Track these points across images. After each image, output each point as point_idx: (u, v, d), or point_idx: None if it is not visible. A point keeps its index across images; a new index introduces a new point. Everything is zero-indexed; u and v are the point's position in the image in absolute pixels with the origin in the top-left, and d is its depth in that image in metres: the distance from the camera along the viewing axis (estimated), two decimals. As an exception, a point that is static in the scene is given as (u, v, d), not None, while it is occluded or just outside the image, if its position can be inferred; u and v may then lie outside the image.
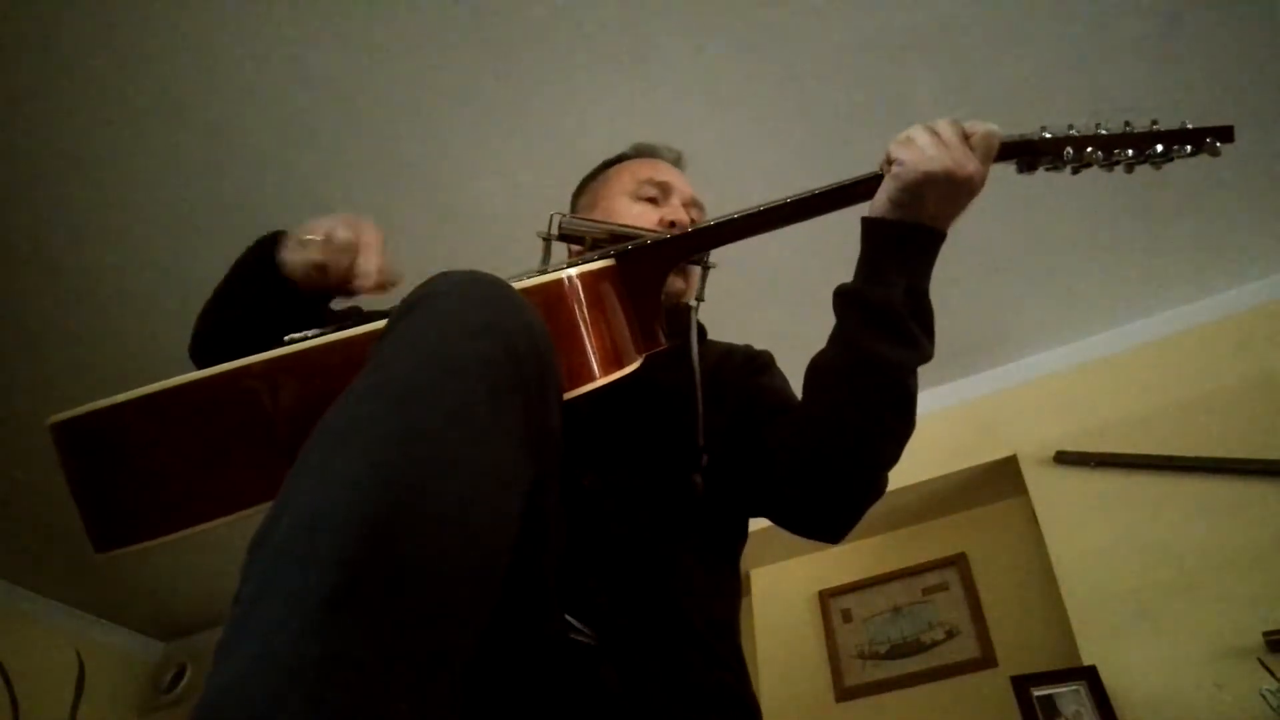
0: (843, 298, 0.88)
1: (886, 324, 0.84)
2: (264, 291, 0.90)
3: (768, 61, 1.89)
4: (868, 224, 0.89)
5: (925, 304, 0.87)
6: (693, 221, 1.10)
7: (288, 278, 0.89)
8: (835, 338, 0.89)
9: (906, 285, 0.85)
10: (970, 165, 0.85)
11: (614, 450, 0.92)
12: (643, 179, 1.12)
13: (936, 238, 0.87)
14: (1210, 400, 2.27)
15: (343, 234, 0.86)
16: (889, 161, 0.88)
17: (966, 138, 0.86)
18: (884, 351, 0.83)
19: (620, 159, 1.20)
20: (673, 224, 1.05)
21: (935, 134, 0.86)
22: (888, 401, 0.85)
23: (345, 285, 0.88)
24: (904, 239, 0.86)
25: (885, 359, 0.83)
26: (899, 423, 0.86)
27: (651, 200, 1.10)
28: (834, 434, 0.86)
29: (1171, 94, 1.91)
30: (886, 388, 0.84)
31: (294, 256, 0.88)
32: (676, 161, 1.19)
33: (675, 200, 1.10)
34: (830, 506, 0.90)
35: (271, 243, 0.92)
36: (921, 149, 0.85)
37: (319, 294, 0.90)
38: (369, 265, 0.86)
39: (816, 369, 0.90)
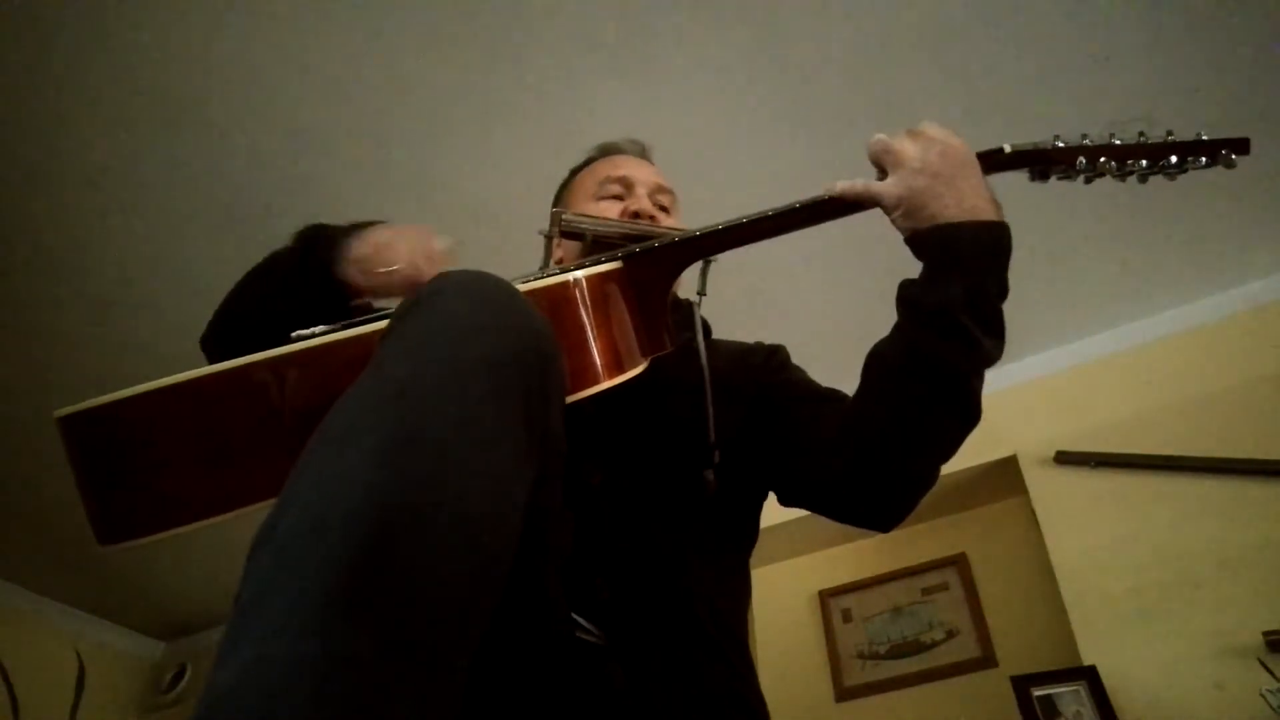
0: (901, 295, 0.85)
1: (937, 322, 0.81)
2: (316, 299, 0.90)
3: (768, 61, 1.89)
4: (907, 244, 0.86)
5: (990, 303, 0.82)
6: (662, 208, 1.10)
7: (343, 286, 0.89)
8: (896, 333, 0.86)
9: (966, 285, 0.80)
10: (935, 141, 0.83)
11: (623, 448, 0.92)
12: (602, 178, 1.11)
13: (985, 229, 0.82)
14: (1210, 400, 2.28)
15: (428, 267, 0.86)
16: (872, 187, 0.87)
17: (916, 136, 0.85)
18: (938, 352, 0.81)
19: (586, 163, 1.19)
20: (635, 214, 1.05)
21: (885, 157, 0.85)
22: (943, 400, 0.83)
23: None
24: (941, 241, 0.83)
25: (939, 360, 0.81)
26: (955, 421, 0.84)
27: (616, 197, 1.10)
28: (889, 427, 0.85)
29: (1172, 96, 1.91)
30: (942, 388, 0.82)
31: (377, 283, 0.88)
32: (641, 153, 1.18)
33: (640, 191, 1.09)
34: (884, 498, 0.89)
35: (321, 260, 0.91)
36: (899, 176, 0.84)
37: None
38: None
39: (877, 362, 0.87)
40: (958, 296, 0.80)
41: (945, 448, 0.86)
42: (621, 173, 1.11)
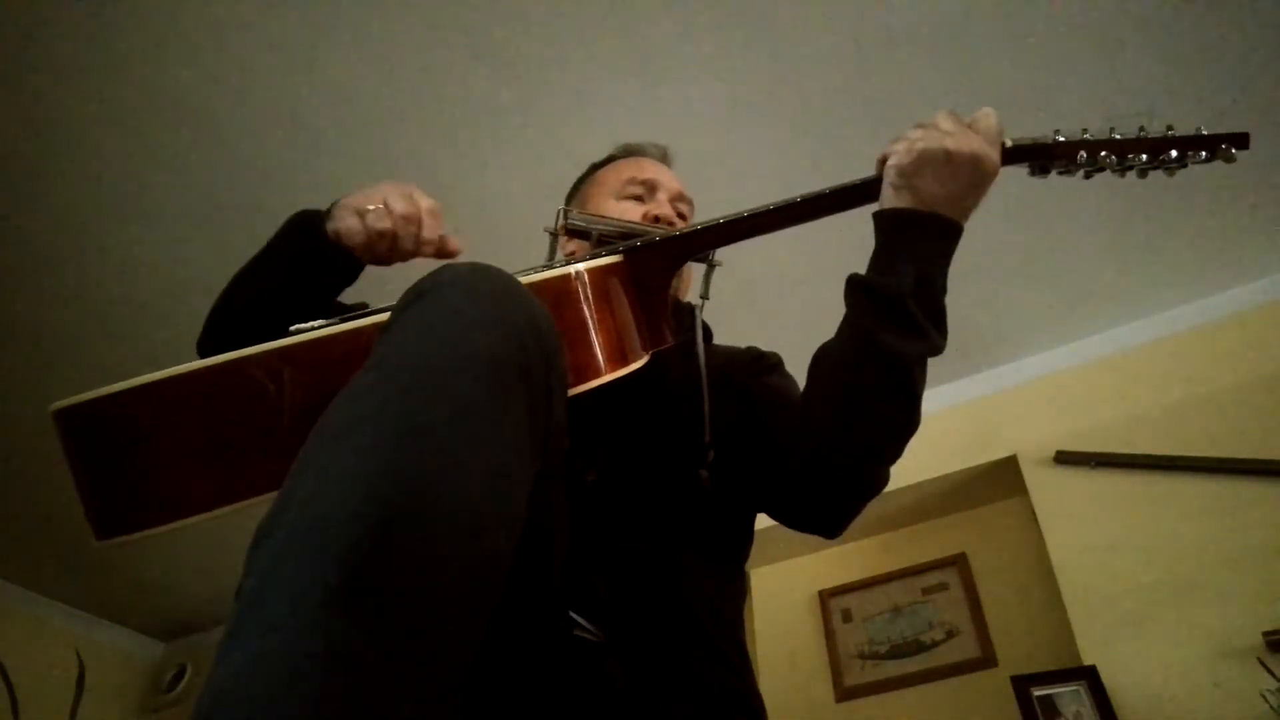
0: (850, 285, 0.87)
1: (890, 311, 0.82)
2: (317, 264, 0.91)
3: (768, 61, 1.89)
4: (875, 216, 0.87)
5: (936, 296, 0.84)
6: (680, 215, 1.10)
7: (344, 247, 0.89)
8: (841, 325, 0.87)
9: (916, 274, 0.82)
10: (971, 143, 0.82)
11: (619, 446, 0.92)
12: (627, 178, 1.12)
13: (944, 225, 0.84)
14: (1210, 400, 2.28)
15: (401, 206, 0.87)
16: (882, 160, 0.88)
17: (968, 124, 0.85)
18: (885, 338, 0.81)
19: (607, 160, 1.20)
20: (657, 219, 1.05)
21: (929, 124, 0.85)
22: (887, 389, 0.82)
23: (409, 254, 0.90)
24: (907, 225, 0.84)
25: (886, 346, 0.81)
26: (899, 413, 0.84)
27: (637, 199, 1.10)
28: (830, 421, 0.84)
29: (1172, 95, 1.91)
30: (886, 375, 0.82)
31: (353, 224, 0.88)
32: (663, 158, 1.19)
33: (661, 196, 1.10)
34: (826, 499, 0.89)
35: (311, 219, 0.92)
36: (912, 137, 0.84)
37: (376, 263, 0.92)
38: (433, 233, 0.89)
39: (820, 355, 0.89)
40: (907, 283, 0.82)
41: (887, 442, 0.85)
42: (648, 176, 1.12)
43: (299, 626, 0.41)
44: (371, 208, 0.88)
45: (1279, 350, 2.27)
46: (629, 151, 1.20)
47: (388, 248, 0.89)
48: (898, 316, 0.82)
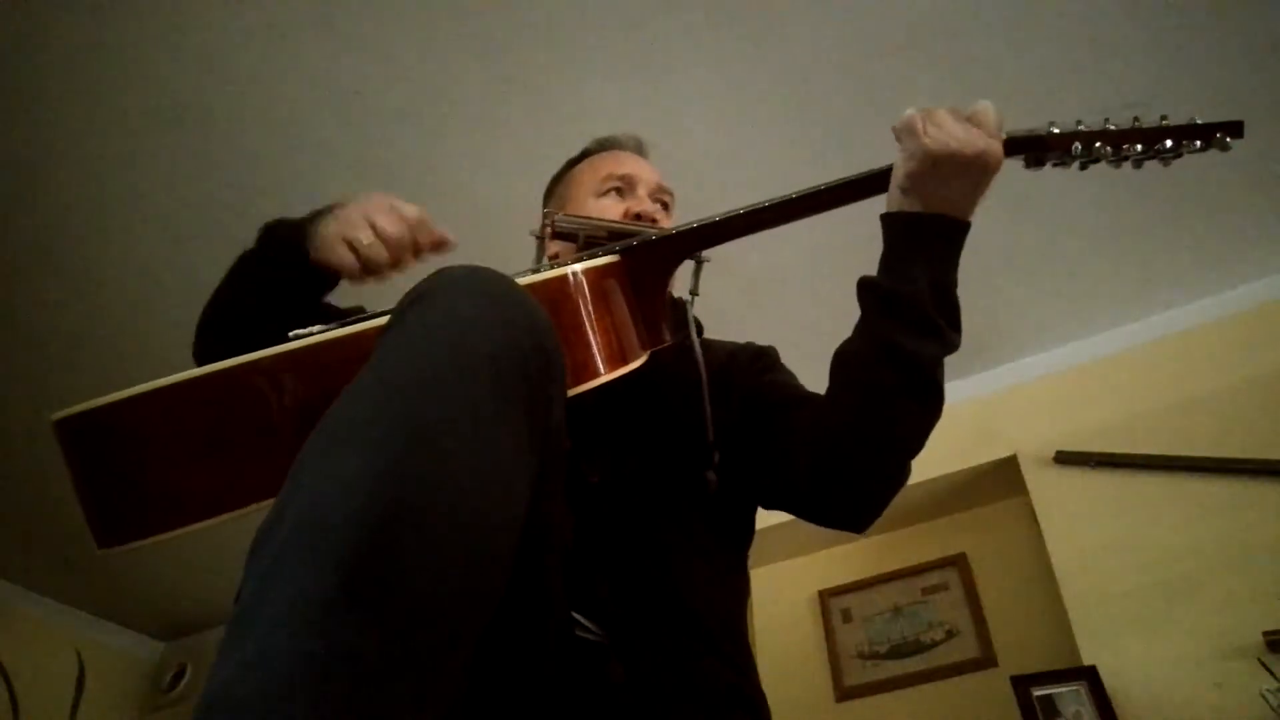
0: (864, 289, 0.87)
1: (908, 314, 0.82)
2: (303, 288, 0.91)
3: (767, 61, 1.89)
4: (885, 219, 0.87)
5: (950, 295, 0.84)
6: (663, 205, 1.09)
7: (330, 272, 0.89)
8: (858, 328, 0.87)
9: (930, 278, 0.83)
10: (977, 141, 0.82)
11: (621, 447, 0.92)
12: (604, 174, 1.10)
13: (956, 226, 0.84)
14: (1210, 400, 2.27)
15: (394, 229, 0.86)
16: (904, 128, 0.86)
17: (967, 119, 0.85)
18: (907, 343, 0.81)
19: (582, 156, 1.18)
20: (638, 216, 1.04)
21: (935, 121, 0.84)
22: (910, 390, 0.83)
23: (407, 267, 0.89)
24: (921, 229, 0.84)
25: (908, 350, 0.81)
26: (922, 411, 0.84)
27: (617, 193, 1.08)
28: (857, 423, 0.85)
29: (1172, 94, 1.91)
30: (908, 376, 0.82)
31: (345, 257, 0.87)
32: (638, 148, 1.17)
33: (641, 191, 1.08)
34: (854, 496, 0.89)
35: (290, 241, 0.91)
36: (925, 132, 0.83)
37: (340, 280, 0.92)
38: (428, 239, 0.89)
39: (840, 359, 0.88)
40: (922, 285, 0.82)
41: (913, 440, 0.86)
42: (625, 170, 1.10)
43: (299, 627, 0.42)
44: (365, 240, 0.86)
45: (1278, 350, 2.27)
46: (603, 145, 1.17)
47: (387, 268, 0.89)
48: (917, 321, 0.82)
